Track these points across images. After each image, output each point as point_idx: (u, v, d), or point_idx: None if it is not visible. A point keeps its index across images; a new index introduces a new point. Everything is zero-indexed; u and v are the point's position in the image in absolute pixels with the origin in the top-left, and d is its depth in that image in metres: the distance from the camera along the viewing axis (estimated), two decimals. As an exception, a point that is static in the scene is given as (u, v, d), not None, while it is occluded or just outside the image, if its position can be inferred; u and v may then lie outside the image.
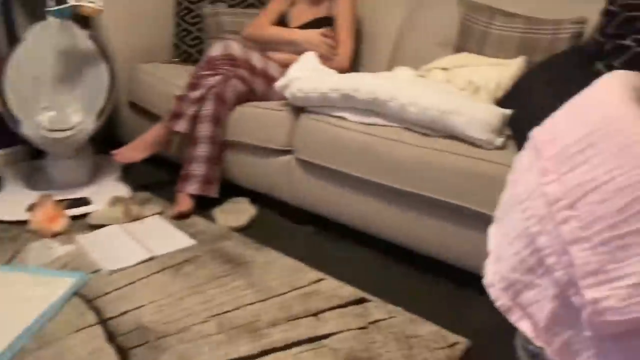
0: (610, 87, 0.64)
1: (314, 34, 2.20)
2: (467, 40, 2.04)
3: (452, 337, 1.42)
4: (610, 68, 1.56)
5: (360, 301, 1.56)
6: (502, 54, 1.90)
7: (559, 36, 1.83)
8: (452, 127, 1.58)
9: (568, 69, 1.58)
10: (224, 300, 1.54)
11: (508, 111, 1.57)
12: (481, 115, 1.53)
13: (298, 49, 2.17)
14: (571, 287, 0.57)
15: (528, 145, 0.72)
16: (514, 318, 0.65)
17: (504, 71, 1.77)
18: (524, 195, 0.65)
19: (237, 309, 1.50)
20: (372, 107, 1.74)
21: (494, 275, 0.68)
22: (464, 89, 1.84)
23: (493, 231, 0.75)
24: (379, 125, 1.74)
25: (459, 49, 2.06)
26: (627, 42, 1.53)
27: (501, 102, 1.72)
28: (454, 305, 1.59)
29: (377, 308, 1.53)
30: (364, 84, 1.74)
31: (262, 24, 2.33)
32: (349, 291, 1.60)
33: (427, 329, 1.45)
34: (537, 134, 0.70)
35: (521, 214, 0.64)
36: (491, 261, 0.72)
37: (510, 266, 0.65)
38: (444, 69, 1.98)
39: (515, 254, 0.65)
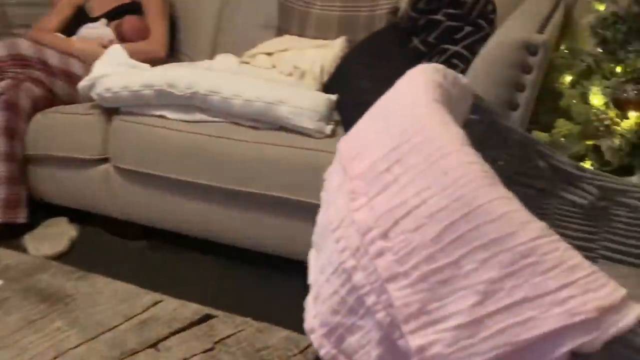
0: (414, 87, 0.57)
1: (92, 46, 1.94)
2: (288, 22, 1.95)
3: (304, 340, 1.36)
4: (425, 43, 1.57)
5: (204, 319, 1.43)
6: (323, 34, 1.84)
7: (375, 13, 1.81)
8: (280, 118, 1.49)
9: (386, 47, 1.56)
10: (41, 349, 1.32)
11: (333, 97, 1.51)
12: (307, 104, 1.46)
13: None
14: (395, 329, 0.50)
15: (336, 159, 0.63)
16: (341, 368, 0.57)
17: (327, 53, 1.72)
18: (336, 222, 0.56)
19: (57, 357, 1.29)
20: (193, 103, 1.60)
21: (314, 319, 0.59)
22: (291, 74, 1.75)
23: (312, 259, 0.66)
24: (203, 122, 1.60)
25: (281, 31, 1.97)
26: (439, 17, 1.54)
27: (327, 87, 1.66)
28: (303, 304, 1.53)
29: (224, 323, 1.41)
30: (180, 77, 1.58)
31: (45, 26, 2.01)
32: (192, 309, 1.46)
33: (277, 336, 1.37)
34: (342, 146, 0.61)
35: (335, 245, 0.55)
36: (311, 299, 0.62)
37: (330, 308, 0.56)
38: (269, 53, 1.88)
39: (334, 292, 0.56)
